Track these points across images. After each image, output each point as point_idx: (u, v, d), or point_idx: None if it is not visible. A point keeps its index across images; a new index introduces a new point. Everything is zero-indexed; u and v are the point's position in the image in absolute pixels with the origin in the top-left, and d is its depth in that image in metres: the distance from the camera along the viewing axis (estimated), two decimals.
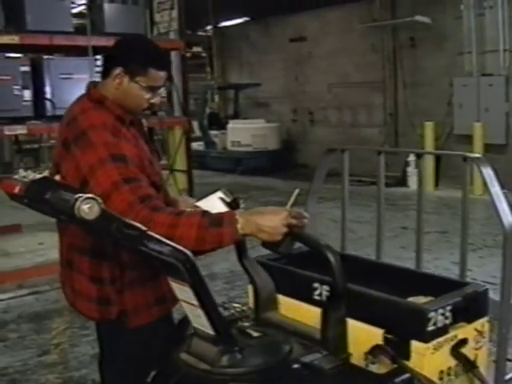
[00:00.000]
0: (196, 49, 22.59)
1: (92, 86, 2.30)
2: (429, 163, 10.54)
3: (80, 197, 1.41)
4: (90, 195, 1.43)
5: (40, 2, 7.09)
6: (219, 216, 1.99)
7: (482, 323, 2.00)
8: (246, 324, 2.19)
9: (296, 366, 1.85)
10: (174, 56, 8.72)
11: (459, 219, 2.76)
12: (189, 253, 1.80)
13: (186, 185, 8.82)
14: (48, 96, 7.21)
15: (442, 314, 1.88)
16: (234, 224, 1.93)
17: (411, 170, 11.53)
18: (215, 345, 1.88)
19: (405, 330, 1.88)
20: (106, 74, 2.25)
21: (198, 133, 16.95)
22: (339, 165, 3.06)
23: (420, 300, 2.03)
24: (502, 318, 2.27)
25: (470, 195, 2.80)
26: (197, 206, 2.45)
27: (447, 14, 11.78)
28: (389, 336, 1.90)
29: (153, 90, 2.22)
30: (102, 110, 2.18)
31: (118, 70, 2.19)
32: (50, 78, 7.26)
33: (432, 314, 1.85)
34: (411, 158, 11.53)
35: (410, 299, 2.06)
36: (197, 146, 16.87)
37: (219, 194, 2.44)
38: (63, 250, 2.31)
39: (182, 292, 1.88)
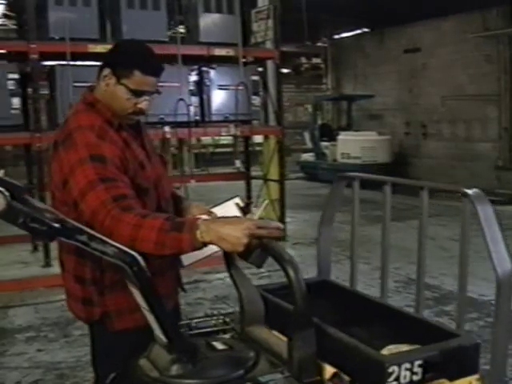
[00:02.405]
0: (315, 60, 22.67)
1: (89, 89, 2.31)
2: None
3: None
4: None
5: (136, 13, 7.35)
6: (182, 221, 1.92)
7: (470, 381, 1.78)
8: (225, 336, 2.10)
9: None
10: (270, 65, 8.74)
11: None
12: (136, 255, 1.74)
13: (278, 194, 8.76)
14: None
15: (408, 369, 1.69)
16: (193, 230, 1.85)
17: None
18: (169, 353, 1.81)
19: (367, 381, 1.73)
20: (99, 75, 2.25)
21: (309, 144, 16.93)
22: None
23: (400, 349, 1.86)
24: (492, 376, 2.01)
25: None
26: (211, 212, 2.40)
27: None
28: None
29: (138, 94, 2.18)
30: (92, 112, 2.20)
31: (106, 71, 2.19)
32: None
33: (393, 369, 1.67)
34: None
35: (390, 347, 1.89)
36: (307, 156, 16.88)
37: (236, 199, 2.41)
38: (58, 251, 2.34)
39: (137, 296, 1.82)
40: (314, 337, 1.82)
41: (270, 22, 8.34)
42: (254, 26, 8.69)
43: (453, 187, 2.25)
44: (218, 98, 8.05)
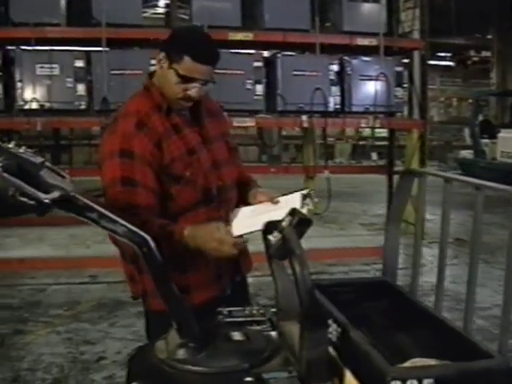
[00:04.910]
0: (485, 53, 21.60)
1: (149, 75, 2.36)
2: None
3: None
4: None
5: (278, 1, 7.38)
6: (171, 230, 2.09)
7: None
8: (257, 328, 2.05)
9: (249, 378, 1.67)
10: (415, 56, 8.39)
11: None
12: (147, 236, 1.75)
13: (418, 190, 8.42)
14: (279, 92, 7.45)
15: None
16: (182, 239, 2.08)
17: None
18: (181, 337, 1.81)
19: None
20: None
21: (468, 140, 16.20)
22: None
23: (425, 362, 1.72)
24: None
25: None
26: (276, 201, 2.36)
27: None
28: None
29: (188, 80, 2.18)
30: (145, 97, 2.26)
31: (161, 55, 2.21)
32: (282, 74, 7.49)
33: (396, 383, 1.54)
34: None
35: (415, 360, 1.75)
36: (466, 153, 16.13)
37: (304, 191, 2.37)
38: None
39: None
40: (326, 338, 1.72)
41: (418, 12, 8.02)
42: (402, 16, 8.41)
43: (503, 187, 2.00)
44: (359, 89, 7.87)
